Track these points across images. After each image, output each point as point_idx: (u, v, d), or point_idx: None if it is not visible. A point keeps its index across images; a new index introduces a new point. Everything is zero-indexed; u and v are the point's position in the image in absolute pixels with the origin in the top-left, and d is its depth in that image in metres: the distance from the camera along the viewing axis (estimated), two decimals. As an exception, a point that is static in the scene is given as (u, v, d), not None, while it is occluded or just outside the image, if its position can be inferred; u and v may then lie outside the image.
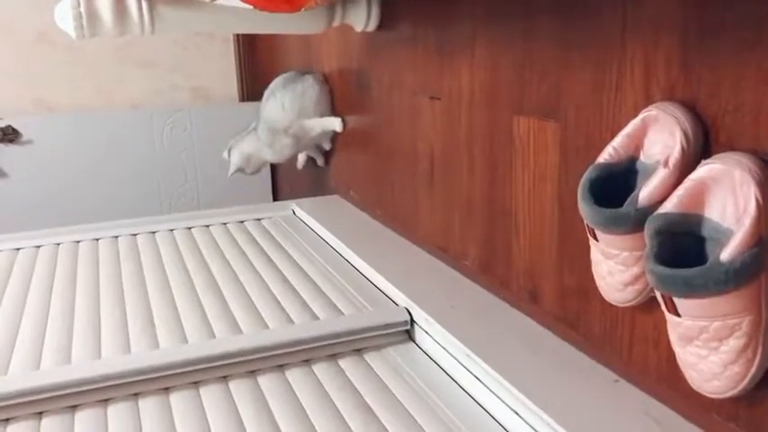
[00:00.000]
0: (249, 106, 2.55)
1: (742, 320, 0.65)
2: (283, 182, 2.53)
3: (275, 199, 2.59)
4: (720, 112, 0.72)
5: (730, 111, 0.71)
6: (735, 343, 0.66)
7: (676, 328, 0.70)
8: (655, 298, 0.72)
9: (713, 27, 0.71)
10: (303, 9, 1.01)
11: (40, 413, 0.96)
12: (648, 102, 0.80)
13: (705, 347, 0.68)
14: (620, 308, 0.87)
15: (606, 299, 0.84)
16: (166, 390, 1.01)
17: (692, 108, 0.74)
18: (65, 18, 1.21)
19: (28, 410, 0.96)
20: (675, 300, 0.67)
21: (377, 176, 1.61)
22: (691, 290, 0.65)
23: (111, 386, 0.99)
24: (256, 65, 2.60)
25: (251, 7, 1.03)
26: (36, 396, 0.96)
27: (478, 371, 0.96)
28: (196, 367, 1.03)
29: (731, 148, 0.71)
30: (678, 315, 0.68)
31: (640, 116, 0.77)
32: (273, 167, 2.56)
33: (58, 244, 1.59)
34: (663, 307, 0.70)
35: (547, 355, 0.97)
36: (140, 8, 1.22)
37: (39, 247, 1.58)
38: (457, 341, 1.00)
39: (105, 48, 2.39)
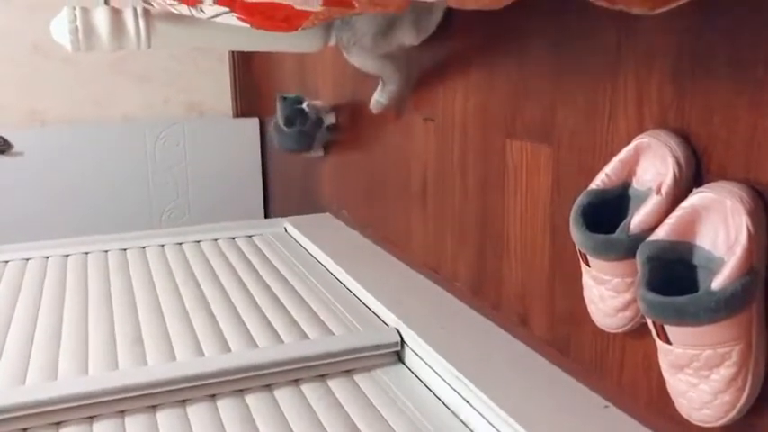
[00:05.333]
0: (243, 122, 2.55)
1: (732, 349, 0.65)
2: (275, 199, 2.53)
3: (267, 216, 2.58)
4: (712, 142, 0.72)
5: (722, 140, 0.71)
6: (725, 372, 0.66)
7: (667, 355, 0.70)
8: (646, 324, 0.73)
9: (705, 57, 0.72)
10: (301, 29, 1.01)
11: (25, 429, 0.95)
12: (641, 129, 0.80)
13: (696, 375, 0.68)
14: (611, 333, 0.87)
15: (597, 324, 0.84)
16: (153, 407, 1.00)
17: (684, 136, 0.75)
18: (61, 31, 1.20)
19: (12, 426, 0.94)
20: (666, 327, 0.68)
21: (369, 196, 1.62)
22: (682, 318, 0.65)
23: (97, 403, 0.98)
24: (251, 81, 2.60)
25: (248, 26, 1.04)
26: (21, 412, 0.95)
27: (468, 394, 0.95)
28: (184, 385, 1.02)
29: (723, 177, 0.71)
30: (669, 342, 0.68)
31: (633, 143, 0.77)
32: (266, 183, 2.56)
33: (47, 257, 1.58)
34: (654, 334, 0.70)
35: (537, 379, 0.97)
36: (137, 23, 1.22)
37: (27, 260, 1.56)
38: (447, 364, 1.00)
39: (101, 60, 2.39)
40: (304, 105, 1.73)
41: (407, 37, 1.23)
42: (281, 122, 1.74)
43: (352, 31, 1.26)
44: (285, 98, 1.73)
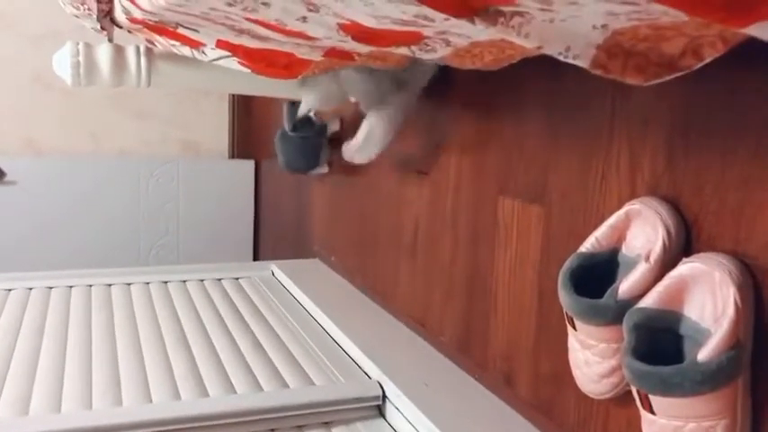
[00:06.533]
0: (239, 163, 2.56)
1: (717, 424, 0.64)
2: (266, 241, 2.52)
3: (256, 258, 2.57)
4: (703, 212, 0.73)
5: (712, 211, 0.71)
6: (709, 447, 0.65)
7: (651, 425, 0.69)
8: (630, 392, 0.71)
9: (699, 128, 0.73)
10: (300, 77, 1.02)
11: (-11, 467, 0.92)
12: (633, 194, 0.81)
13: (679, 449, 0.67)
14: (595, 399, 0.86)
15: (581, 389, 0.83)
16: (125, 451, 0.97)
17: (675, 205, 0.75)
18: (63, 65, 1.22)
19: (-23, 463, 0.92)
20: (651, 397, 0.67)
21: (359, 244, 1.61)
22: (666, 388, 0.65)
23: (67, 443, 0.96)
24: (250, 123, 2.62)
25: (248, 70, 1.05)
26: (-13, 448, 0.92)
27: (448, 454, 0.93)
28: (159, 429, 0.99)
29: (712, 247, 0.71)
30: (653, 413, 0.67)
31: (624, 209, 0.78)
32: (257, 225, 2.56)
33: (30, 289, 1.56)
34: (638, 403, 0.69)
35: (518, 442, 0.95)
36: (138, 61, 1.23)
37: (9, 290, 1.54)
38: (429, 422, 0.98)
39: (100, 94, 2.40)
40: (311, 114, 1.72)
41: (404, 91, 1.24)
42: (287, 127, 1.72)
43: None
44: (294, 103, 1.71)
